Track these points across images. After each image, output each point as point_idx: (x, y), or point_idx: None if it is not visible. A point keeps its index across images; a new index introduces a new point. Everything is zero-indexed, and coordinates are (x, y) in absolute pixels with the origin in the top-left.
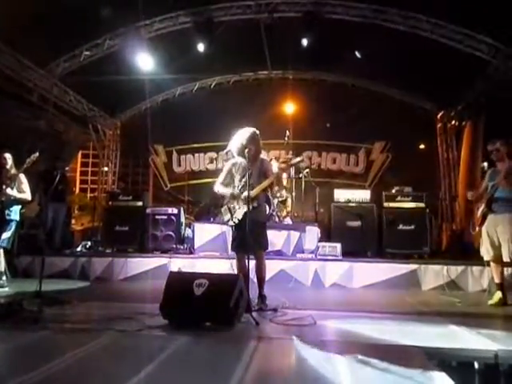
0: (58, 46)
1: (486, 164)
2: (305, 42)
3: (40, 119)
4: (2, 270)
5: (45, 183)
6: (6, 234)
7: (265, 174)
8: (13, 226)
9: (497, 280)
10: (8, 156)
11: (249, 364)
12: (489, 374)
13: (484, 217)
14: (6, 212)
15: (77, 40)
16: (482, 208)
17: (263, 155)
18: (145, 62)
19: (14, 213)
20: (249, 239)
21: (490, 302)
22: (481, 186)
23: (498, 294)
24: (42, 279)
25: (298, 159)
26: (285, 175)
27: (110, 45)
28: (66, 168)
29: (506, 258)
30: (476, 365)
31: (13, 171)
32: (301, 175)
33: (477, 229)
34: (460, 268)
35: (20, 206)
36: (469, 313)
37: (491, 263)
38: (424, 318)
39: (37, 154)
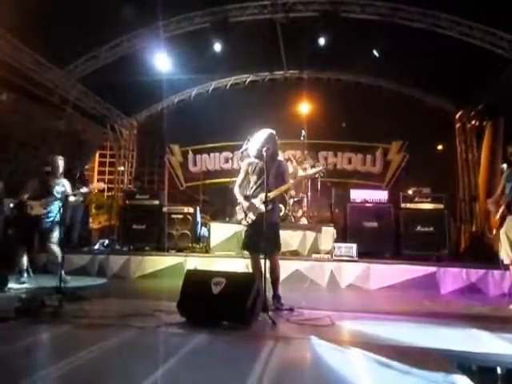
0: (78, 47)
1: (505, 165)
2: (321, 41)
3: (60, 119)
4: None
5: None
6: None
7: (282, 176)
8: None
9: None
10: (61, 160)
11: (267, 363)
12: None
13: (503, 219)
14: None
15: (95, 41)
16: (501, 210)
17: (280, 157)
18: (162, 62)
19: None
20: (261, 240)
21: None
22: (498, 187)
23: None
24: (61, 276)
25: (315, 170)
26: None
27: (128, 46)
28: (86, 167)
29: None
30: (499, 370)
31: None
32: (316, 175)
33: (494, 231)
34: (480, 271)
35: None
36: (490, 316)
37: (507, 266)
38: (444, 321)
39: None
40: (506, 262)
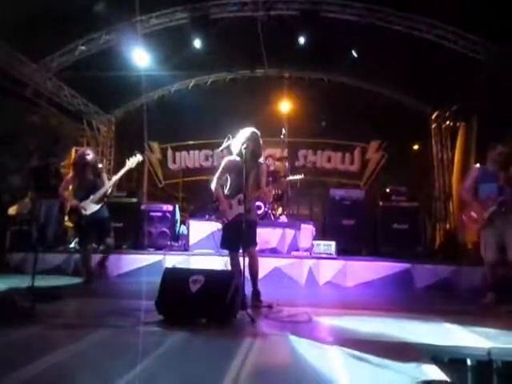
0: (53, 41)
1: (478, 165)
2: (302, 40)
3: (34, 114)
4: None
5: (38, 179)
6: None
7: (260, 180)
8: None
9: (491, 280)
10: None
11: (244, 360)
12: (481, 370)
13: (491, 218)
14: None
15: (72, 35)
16: (491, 209)
17: (262, 159)
18: (140, 57)
19: None
20: (238, 239)
21: (484, 301)
22: (467, 185)
23: (491, 295)
24: (35, 275)
25: (297, 177)
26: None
27: (106, 40)
28: (61, 164)
29: None
30: (468, 361)
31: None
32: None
33: (478, 230)
34: (453, 267)
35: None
36: (462, 311)
37: (488, 263)
38: (417, 316)
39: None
40: (489, 259)
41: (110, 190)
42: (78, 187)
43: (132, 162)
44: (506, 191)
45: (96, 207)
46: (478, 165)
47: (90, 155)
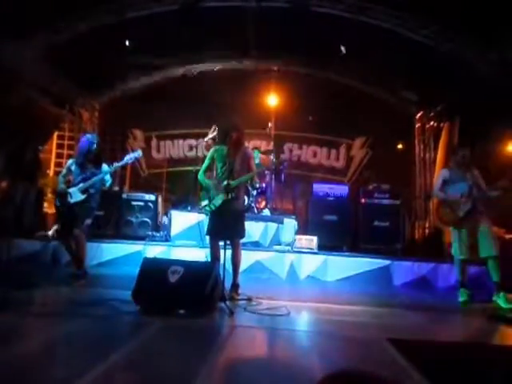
0: (35, 20)
1: (444, 169)
2: (292, 34)
3: (13, 97)
4: None
5: (14, 162)
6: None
7: (248, 165)
8: None
9: (461, 278)
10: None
11: (221, 352)
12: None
13: (466, 216)
14: None
15: (54, 14)
16: (466, 207)
17: (247, 146)
18: (127, 43)
19: None
20: (225, 227)
21: (461, 299)
22: (439, 186)
23: (466, 291)
24: (12, 262)
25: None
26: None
27: (91, 22)
28: (39, 147)
29: (490, 253)
30: (442, 356)
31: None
32: (281, 167)
33: (451, 227)
34: (430, 265)
35: None
36: (437, 307)
37: (459, 261)
38: (394, 311)
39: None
40: (463, 257)
41: (109, 182)
42: (76, 173)
43: (130, 158)
44: (476, 190)
45: (81, 196)
46: (441, 169)
47: (95, 144)
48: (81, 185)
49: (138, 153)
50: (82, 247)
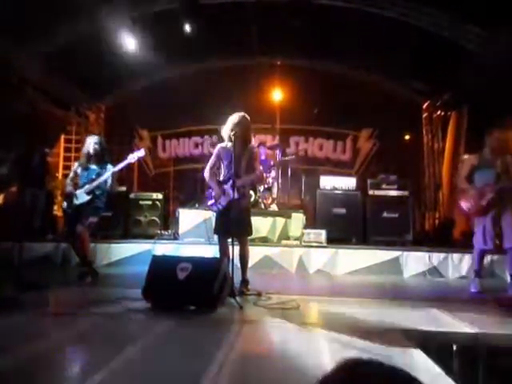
0: (41, 25)
1: (466, 156)
2: (293, 28)
3: (19, 100)
4: None
5: (22, 167)
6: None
7: (252, 166)
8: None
9: (477, 267)
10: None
11: (232, 346)
12: (467, 356)
13: (488, 205)
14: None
15: (59, 18)
16: (489, 197)
17: (254, 143)
18: (130, 44)
19: None
20: (233, 225)
21: (475, 289)
22: (464, 174)
23: (480, 281)
24: (23, 265)
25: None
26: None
27: (93, 25)
28: (46, 150)
29: (508, 245)
30: (454, 347)
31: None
32: (287, 158)
33: (475, 217)
34: (441, 255)
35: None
36: (449, 298)
37: (480, 251)
38: (405, 303)
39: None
40: (484, 247)
41: (109, 183)
42: (82, 175)
43: (133, 157)
44: (504, 178)
45: (86, 197)
46: (468, 155)
47: (97, 145)
48: (86, 186)
49: (142, 151)
50: (85, 244)
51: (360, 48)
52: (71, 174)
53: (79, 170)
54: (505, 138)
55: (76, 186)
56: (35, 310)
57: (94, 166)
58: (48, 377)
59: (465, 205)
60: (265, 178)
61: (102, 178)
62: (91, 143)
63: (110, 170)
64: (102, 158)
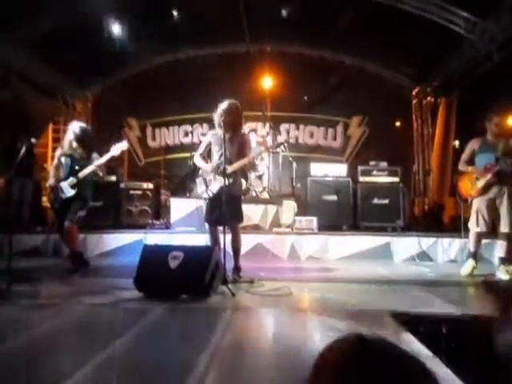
0: (26, 11)
1: (457, 142)
2: (283, 13)
3: (3, 91)
4: None
5: (9, 158)
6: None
7: (243, 152)
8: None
9: (472, 249)
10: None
11: (224, 334)
12: (453, 336)
13: (486, 188)
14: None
15: (44, 5)
16: (487, 178)
17: (245, 130)
18: (117, 31)
19: None
20: (224, 212)
21: (466, 271)
22: (464, 158)
23: (472, 263)
24: (13, 257)
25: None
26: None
27: (79, 11)
28: (32, 140)
29: (504, 229)
30: (443, 329)
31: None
32: (278, 149)
33: (470, 200)
34: (431, 240)
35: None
36: (438, 281)
37: (475, 233)
38: (395, 287)
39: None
40: (478, 229)
41: (99, 173)
42: (63, 166)
43: (116, 149)
44: (503, 162)
45: (72, 192)
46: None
47: (79, 130)
48: (70, 179)
49: (125, 144)
50: (73, 238)
51: (350, 34)
52: (55, 161)
53: (63, 159)
54: (502, 121)
55: (59, 177)
56: (26, 301)
57: (77, 155)
58: (39, 366)
59: (463, 186)
60: (256, 164)
61: (86, 171)
62: (73, 129)
63: (94, 162)
64: (85, 145)
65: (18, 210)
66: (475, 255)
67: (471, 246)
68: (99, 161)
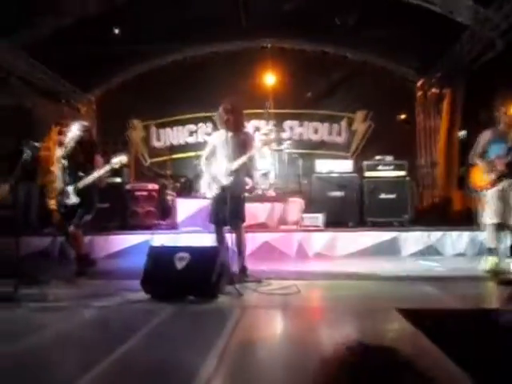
0: (23, 14)
1: (463, 132)
2: (284, 9)
3: (6, 96)
4: None
5: (14, 163)
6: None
7: (246, 148)
8: None
9: (493, 245)
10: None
11: (232, 334)
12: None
13: (498, 180)
14: None
15: (43, 7)
16: (498, 170)
17: (247, 128)
18: (118, 32)
19: None
20: (227, 213)
21: (485, 267)
22: (478, 151)
23: (494, 259)
24: (21, 259)
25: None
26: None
27: (79, 14)
28: (36, 144)
29: None
30: (449, 324)
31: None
32: (282, 147)
33: (484, 191)
34: (439, 233)
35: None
36: (447, 276)
37: (492, 227)
38: (402, 282)
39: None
40: (493, 221)
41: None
42: (66, 169)
43: (116, 163)
44: None
45: (76, 199)
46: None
47: (80, 131)
48: (73, 186)
49: (124, 158)
50: (79, 244)
51: (352, 27)
52: (59, 164)
53: (65, 162)
54: (508, 111)
55: (66, 179)
56: (35, 303)
57: (79, 159)
58: (48, 368)
59: (476, 177)
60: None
61: (86, 181)
62: (74, 130)
63: (93, 173)
64: (87, 147)
65: (24, 213)
66: (496, 251)
67: (489, 242)
68: (98, 172)
